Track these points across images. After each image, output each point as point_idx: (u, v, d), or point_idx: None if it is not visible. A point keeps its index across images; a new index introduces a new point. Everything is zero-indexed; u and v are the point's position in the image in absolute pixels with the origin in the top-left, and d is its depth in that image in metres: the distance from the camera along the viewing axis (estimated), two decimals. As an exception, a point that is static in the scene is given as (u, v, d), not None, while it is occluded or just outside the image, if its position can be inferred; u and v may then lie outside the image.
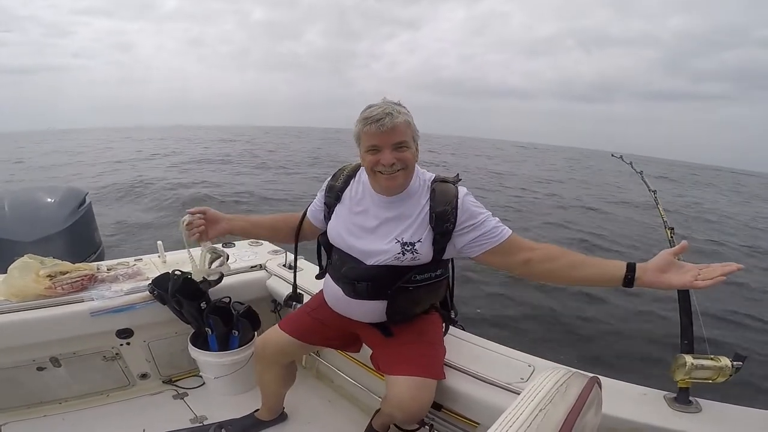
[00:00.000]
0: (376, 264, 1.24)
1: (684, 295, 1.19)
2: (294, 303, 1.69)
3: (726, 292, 5.07)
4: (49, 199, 2.43)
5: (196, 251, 1.45)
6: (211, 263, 1.45)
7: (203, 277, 1.54)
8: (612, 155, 1.63)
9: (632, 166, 1.52)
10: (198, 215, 1.38)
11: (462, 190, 1.24)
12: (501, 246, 1.18)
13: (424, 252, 1.22)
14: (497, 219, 1.22)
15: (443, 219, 1.20)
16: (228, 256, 1.49)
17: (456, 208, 1.20)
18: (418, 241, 1.21)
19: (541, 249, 1.17)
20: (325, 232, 1.38)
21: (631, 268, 1.02)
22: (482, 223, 1.19)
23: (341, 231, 1.30)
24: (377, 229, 1.25)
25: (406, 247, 1.21)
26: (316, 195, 1.47)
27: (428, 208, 1.22)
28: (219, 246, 1.46)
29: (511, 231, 1.20)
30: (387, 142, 1.14)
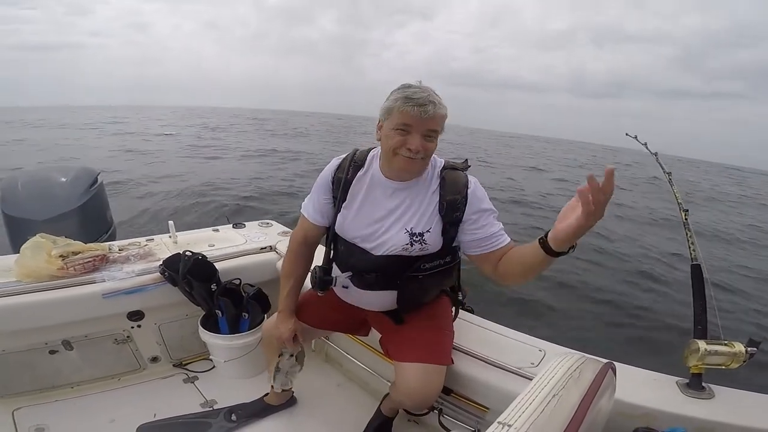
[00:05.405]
0: (384, 254, 1.21)
1: (697, 279, 1.18)
2: None
3: (743, 276, 5.04)
4: (61, 179, 2.43)
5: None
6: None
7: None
8: (626, 134, 1.59)
9: (647, 147, 1.49)
10: (290, 340, 1.39)
11: (472, 179, 1.22)
12: (495, 253, 1.16)
13: (433, 242, 1.20)
14: (500, 224, 1.20)
15: (453, 208, 1.18)
16: (300, 368, 1.58)
17: (466, 197, 1.19)
18: (427, 231, 1.19)
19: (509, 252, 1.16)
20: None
21: (546, 233, 0.97)
22: (488, 224, 1.18)
23: (349, 222, 1.27)
24: (385, 219, 1.22)
25: (414, 238, 1.19)
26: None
27: (438, 196, 1.20)
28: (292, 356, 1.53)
29: (509, 239, 1.18)
30: (421, 128, 1.10)
